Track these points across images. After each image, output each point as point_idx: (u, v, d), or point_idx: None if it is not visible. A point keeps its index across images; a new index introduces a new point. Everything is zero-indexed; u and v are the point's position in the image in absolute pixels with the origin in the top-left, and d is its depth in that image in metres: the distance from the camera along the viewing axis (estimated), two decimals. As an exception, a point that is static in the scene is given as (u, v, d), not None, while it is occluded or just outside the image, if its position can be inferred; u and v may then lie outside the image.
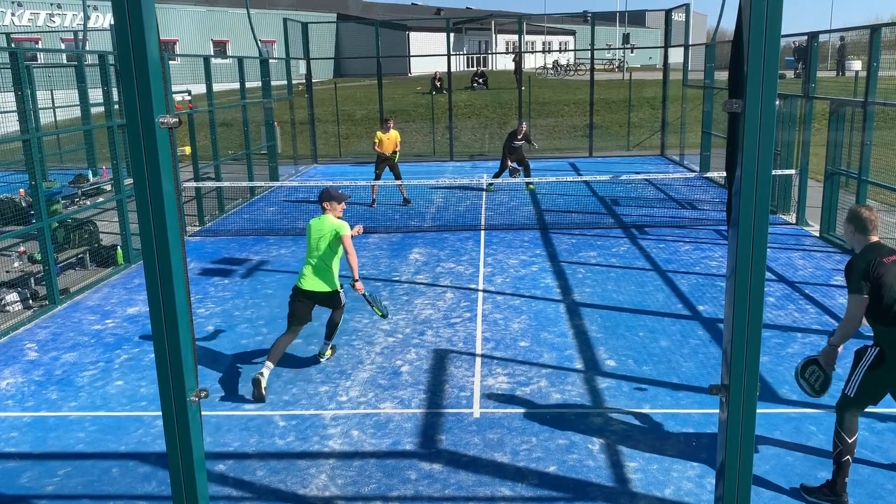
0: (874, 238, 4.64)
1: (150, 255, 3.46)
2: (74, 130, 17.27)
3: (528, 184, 15.64)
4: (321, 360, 7.08)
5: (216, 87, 14.37)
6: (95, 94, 11.41)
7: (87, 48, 22.49)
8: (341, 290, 6.82)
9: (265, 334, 7.85)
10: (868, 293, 4.50)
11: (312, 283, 6.64)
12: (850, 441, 4.64)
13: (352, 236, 6.67)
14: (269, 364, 6.42)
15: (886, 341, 4.54)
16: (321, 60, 33.90)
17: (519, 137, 15.30)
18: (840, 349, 4.78)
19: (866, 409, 4.75)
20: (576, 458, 5.28)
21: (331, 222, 6.64)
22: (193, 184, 12.95)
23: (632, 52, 46.14)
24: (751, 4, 3.24)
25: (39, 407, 6.32)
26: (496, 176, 15.51)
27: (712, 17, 60.34)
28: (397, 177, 14.44)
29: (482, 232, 12.28)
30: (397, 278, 9.75)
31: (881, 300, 4.49)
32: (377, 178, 14.29)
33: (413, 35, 44.76)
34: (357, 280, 6.73)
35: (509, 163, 15.43)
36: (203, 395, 3.74)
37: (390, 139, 14.21)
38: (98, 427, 5.94)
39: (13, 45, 20.95)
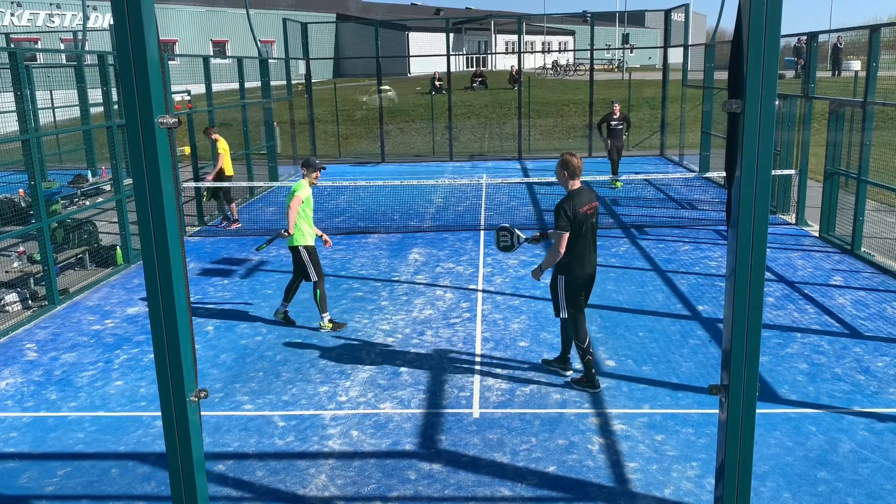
0: (577, 184, 5.97)
1: (150, 255, 3.46)
2: (74, 130, 17.29)
3: (614, 180, 15.74)
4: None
5: (216, 87, 14.37)
6: (95, 95, 11.41)
7: (87, 48, 22.48)
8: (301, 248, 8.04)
9: (265, 334, 7.85)
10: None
11: None
12: (586, 343, 6.18)
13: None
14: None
15: (567, 267, 6.00)
16: (321, 60, 33.90)
17: (616, 117, 15.54)
18: (542, 273, 6.18)
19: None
20: (575, 458, 5.28)
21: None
22: (193, 184, 12.95)
23: (631, 53, 46.13)
24: (751, 4, 3.25)
25: (39, 407, 6.32)
26: (614, 171, 15.61)
27: (712, 17, 60.36)
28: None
29: (482, 232, 12.27)
30: (397, 278, 9.75)
31: (570, 237, 5.90)
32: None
33: (413, 35, 44.80)
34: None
35: (606, 145, 15.60)
36: (202, 395, 3.74)
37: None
38: (97, 427, 5.93)
39: (12, 46, 20.95)
